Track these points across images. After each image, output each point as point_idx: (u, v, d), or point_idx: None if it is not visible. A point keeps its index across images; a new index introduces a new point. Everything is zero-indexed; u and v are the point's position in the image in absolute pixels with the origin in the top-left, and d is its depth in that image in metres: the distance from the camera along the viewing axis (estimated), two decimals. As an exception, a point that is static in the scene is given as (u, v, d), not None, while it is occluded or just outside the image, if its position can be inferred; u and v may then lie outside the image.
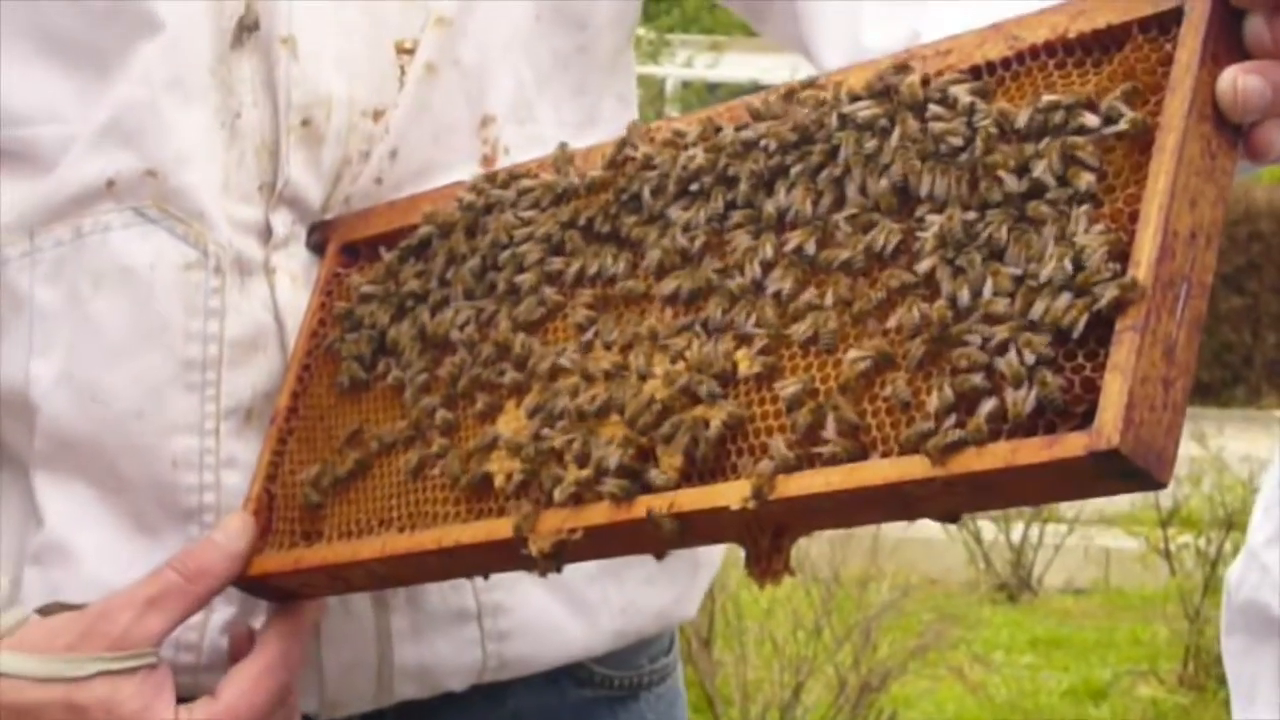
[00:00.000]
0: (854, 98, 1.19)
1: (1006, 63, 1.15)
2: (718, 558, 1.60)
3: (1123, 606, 8.57)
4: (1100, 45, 1.12)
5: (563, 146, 1.35)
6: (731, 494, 1.14)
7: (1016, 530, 8.61)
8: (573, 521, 1.21)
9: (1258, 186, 14.71)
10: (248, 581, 1.36)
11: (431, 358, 1.35)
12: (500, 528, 1.25)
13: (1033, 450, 1.02)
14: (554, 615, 1.45)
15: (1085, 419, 1.01)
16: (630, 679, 1.55)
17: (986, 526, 8.63)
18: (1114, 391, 0.99)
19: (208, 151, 1.37)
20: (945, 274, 1.10)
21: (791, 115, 1.22)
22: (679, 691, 1.62)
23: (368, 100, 1.40)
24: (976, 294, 1.08)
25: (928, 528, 8.82)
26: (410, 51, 1.41)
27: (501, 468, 1.27)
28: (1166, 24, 1.09)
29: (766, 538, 1.15)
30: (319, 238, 1.42)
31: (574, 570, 1.41)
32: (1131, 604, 8.53)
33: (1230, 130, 1.07)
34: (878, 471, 1.08)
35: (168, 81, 1.37)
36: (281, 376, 1.40)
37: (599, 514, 1.20)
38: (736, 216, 1.22)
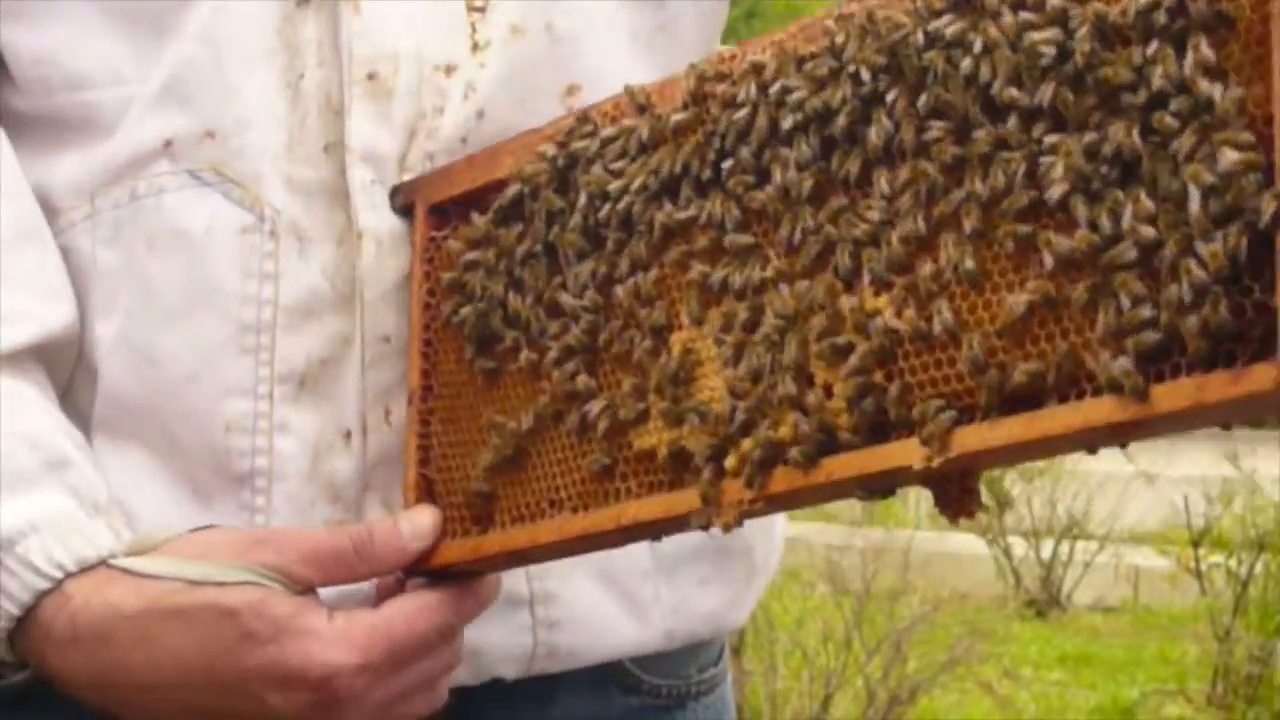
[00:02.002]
0: (935, 13, 1.13)
1: None
2: (773, 564, 1.58)
3: (1152, 625, 8.57)
4: None
5: (630, 88, 1.31)
6: (912, 454, 1.11)
7: (1046, 547, 8.62)
8: (754, 492, 1.19)
9: None
10: (425, 570, 1.35)
11: (560, 324, 1.32)
12: (679, 502, 1.23)
13: (1220, 386, 0.98)
14: (606, 609, 1.44)
15: (1265, 343, 0.97)
16: (678, 688, 1.54)
17: (1017, 542, 8.63)
18: None
19: (270, 113, 1.37)
20: (1079, 201, 1.05)
21: (874, 35, 1.16)
22: (728, 702, 1.60)
23: (438, 55, 1.38)
24: (1117, 221, 1.03)
25: (959, 543, 8.82)
26: (480, 9, 1.39)
27: (663, 439, 1.25)
28: None
29: (954, 484, 1.13)
30: (403, 200, 1.39)
31: (628, 566, 1.41)
32: (1161, 623, 8.52)
33: None
34: (1059, 420, 1.05)
35: (228, 41, 1.36)
36: (340, 343, 1.38)
37: (781, 481, 1.18)
38: (839, 153, 1.18)
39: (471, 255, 1.36)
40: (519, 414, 1.34)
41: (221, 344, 1.37)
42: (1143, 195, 1.02)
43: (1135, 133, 1.03)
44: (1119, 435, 1.04)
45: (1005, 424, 1.07)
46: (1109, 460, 9.17)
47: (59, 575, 1.27)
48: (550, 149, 1.32)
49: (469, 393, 1.38)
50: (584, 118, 1.32)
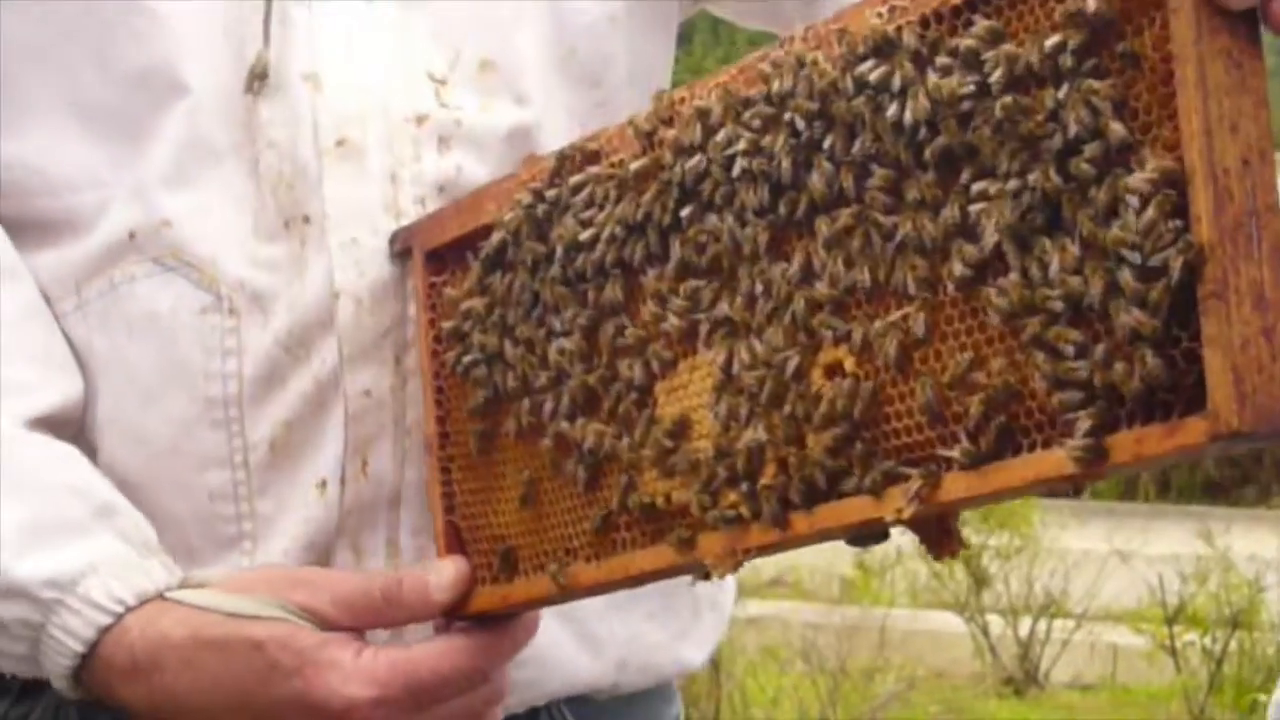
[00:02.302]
0: (860, 57, 1.15)
1: None
2: (726, 604, 1.63)
3: (1128, 703, 8.56)
4: None
5: (586, 137, 1.35)
6: (884, 507, 1.14)
7: (1024, 624, 8.62)
8: (743, 543, 1.22)
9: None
10: (462, 615, 1.40)
11: (550, 376, 1.35)
12: (680, 553, 1.27)
13: (1156, 440, 1.00)
14: (564, 647, 1.49)
15: (1196, 390, 0.98)
16: None
17: (994, 620, 8.63)
18: (1217, 369, 0.96)
19: (228, 200, 1.43)
20: (1011, 249, 1.07)
21: (806, 79, 1.18)
22: None
23: (405, 109, 1.44)
24: (1046, 269, 1.05)
25: (936, 620, 8.82)
26: (442, 82, 1.46)
27: (657, 490, 1.28)
28: None
29: (932, 527, 1.15)
30: (401, 245, 1.43)
31: (585, 606, 1.46)
32: (1137, 700, 8.52)
33: (1247, 23, 0.99)
34: (1014, 474, 1.07)
35: (191, 140, 1.42)
36: (309, 403, 1.43)
37: (758, 536, 1.22)
38: (786, 200, 1.20)
39: (467, 304, 1.41)
40: (527, 466, 1.38)
41: (195, 419, 1.43)
42: (1068, 243, 1.04)
43: (1054, 177, 1.04)
44: (1070, 484, 1.07)
45: (963, 479, 1.10)
46: (1085, 538, 9.20)
47: (120, 610, 1.34)
48: (526, 197, 1.36)
49: (485, 438, 1.42)
50: (561, 160, 1.35)
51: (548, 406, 1.36)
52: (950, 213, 1.10)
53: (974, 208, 1.09)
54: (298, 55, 1.43)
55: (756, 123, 1.21)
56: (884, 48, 1.13)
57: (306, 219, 1.43)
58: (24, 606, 1.34)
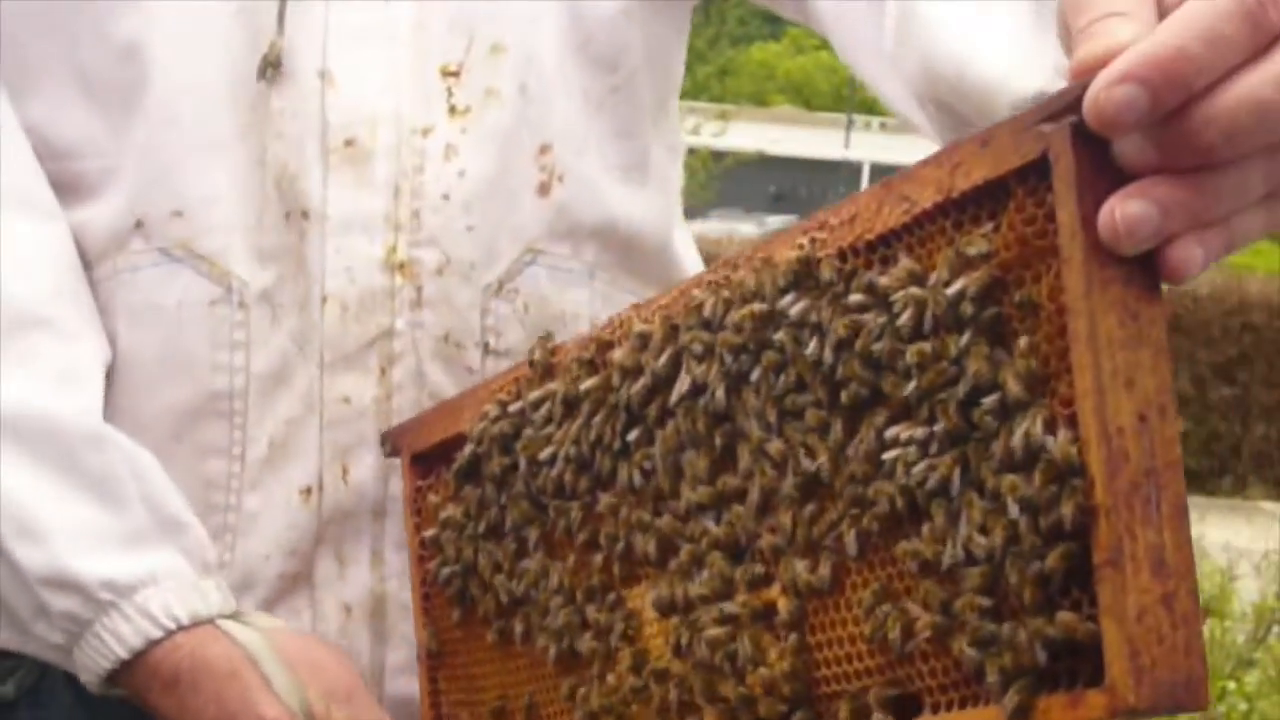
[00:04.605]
0: (781, 290, 1.14)
1: (908, 228, 1.07)
2: None
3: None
4: (989, 199, 1.02)
5: (544, 339, 1.34)
6: None
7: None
8: None
9: (1252, 278, 14.77)
10: None
11: (521, 594, 1.35)
12: None
13: (1060, 710, 0.97)
14: None
15: (1098, 666, 0.95)
16: None
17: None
18: (1113, 642, 0.92)
19: (239, 189, 1.43)
20: (923, 500, 1.04)
21: (734, 320, 1.17)
22: None
23: (415, 119, 1.44)
24: (955, 526, 1.02)
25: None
26: (455, 74, 1.46)
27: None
28: (1042, 171, 0.97)
29: None
30: (391, 447, 1.44)
31: None
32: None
33: (1143, 270, 0.94)
34: None
35: (194, 122, 1.43)
36: (305, 405, 1.44)
37: None
38: (722, 431, 1.19)
39: (445, 513, 1.41)
40: (505, 681, 1.38)
41: (198, 409, 1.44)
42: (975, 499, 1.01)
43: (958, 423, 1.02)
44: None
45: None
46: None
47: (172, 626, 1.36)
48: (493, 409, 1.36)
49: (464, 649, 1.43)
50: (534, 368, 1.34)
51: (518, 630, 1.36)
52: (861, 458, 1.08)
53: (887, 455, 1.06)
54: (312, 50, 1.44)
55: (697, 348, 1.19)
56: (802, 279, 1.12)
57: (305, 214, 1.44)
58: (75, 601, 1.35)
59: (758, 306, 1.14)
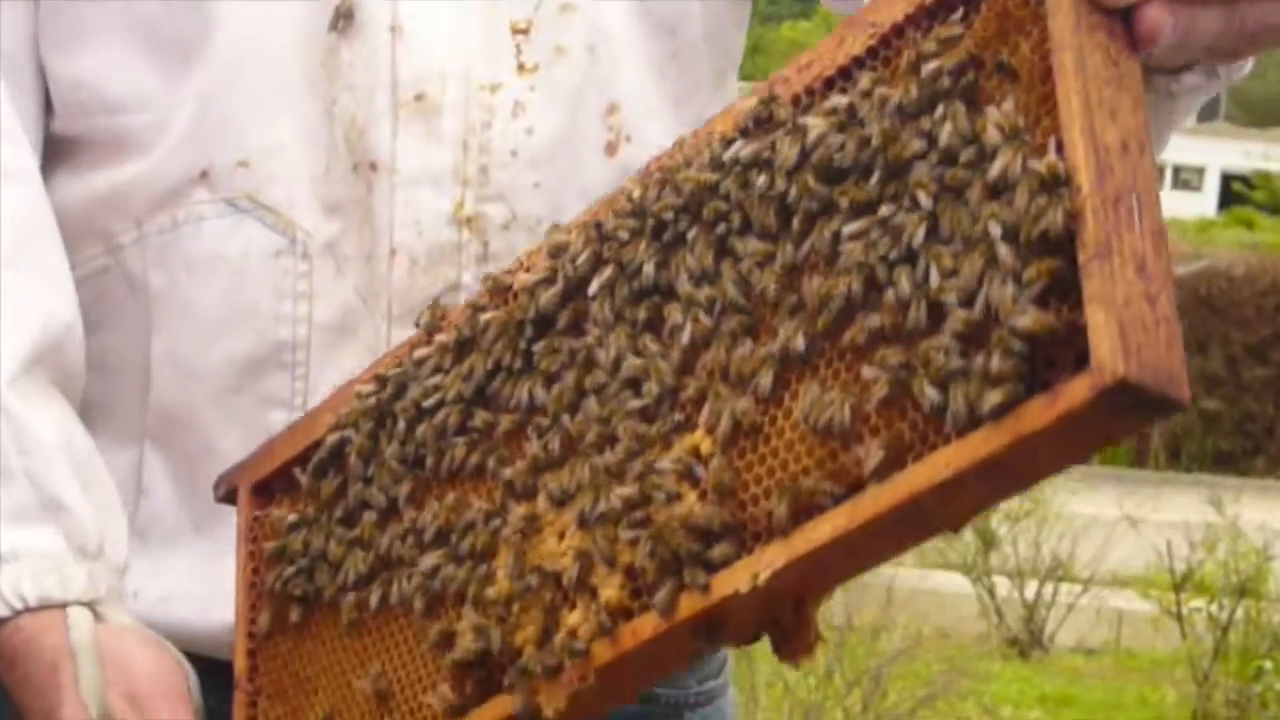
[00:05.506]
0: (727, 142, 1.14)
1: (873, 51, 1.10)
2: None
3: (1133, 668, 8.59)
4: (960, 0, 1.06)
5: (432, 307, 1.34)
6: (738, 578, 1.08)
7: (1030, 587, 8.64)
8: (580, 670, 1.16)
9: (1287, 257, 14.71)
10: None
11: (375, 556, 1.31)
12: (505, 705, 1.21)
13: (1037, 412, 0.94)
14: None
15: (1079, 365, 0.94)
16: (676, 697, 1.58)
17: (1001, 582, 8.66)
18: (1100, 323, 0.92)
19: (306, 140, 1.43)
20: (884, 273, 1.04)
21: (672, 185, 1.18)
22: (727, 716, 1.64)
23: (483, 75, 1.44)
24: (922, 283, 1.02)
25: (942, 581, 8.85)
26: (524, 31, 1.46)
27: (466, 627, 1.23)
28: None
29: (788, 612, 1.10)
30: (225, 488, 1.42)
31: None
32: (1141, 666, 8.54)
33: (1124, 28, 1.01)
34: (880, 498, 1.01)
35: (259, 71, 1.43)
36: (369, 355, 1.43)
37: (603, 651, 1.15)
38: (646, 304, 1.18)
39: (293, 517, 1.38)
40: (353, 667, 1.33)
41: (261, 360, 1.45)
42: (942, 249, 1.01)
43: (932, 188, 1.03)
44: (955, 500, 1.00)
45: (828, 518, 1.04)
46: (1094, 503, 9.20)
47: (19, 606, 1.35)
48: (366, 388, 1.34)
49: (295, 661, 1.38)
50: (403, 355, 1.33)
51: (374, 597, 1.31)
52: (818, 262, 1.08)
53: (845, 245, 1.06)
54: (383, 3, 1.43)
55: (623, 234, 1.19)
56: (755, 126, 1.12)
57: (374, 166, 1.44)
58: None
59: (702, 168, 1.15)
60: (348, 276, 1.44)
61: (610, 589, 1.15)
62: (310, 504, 1.37)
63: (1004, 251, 0.98)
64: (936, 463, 0.99)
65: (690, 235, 1.15)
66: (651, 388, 1.16)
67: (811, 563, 1.05)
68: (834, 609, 6.21)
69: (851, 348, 1.06)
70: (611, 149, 1.48)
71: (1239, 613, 7.42)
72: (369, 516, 1.32)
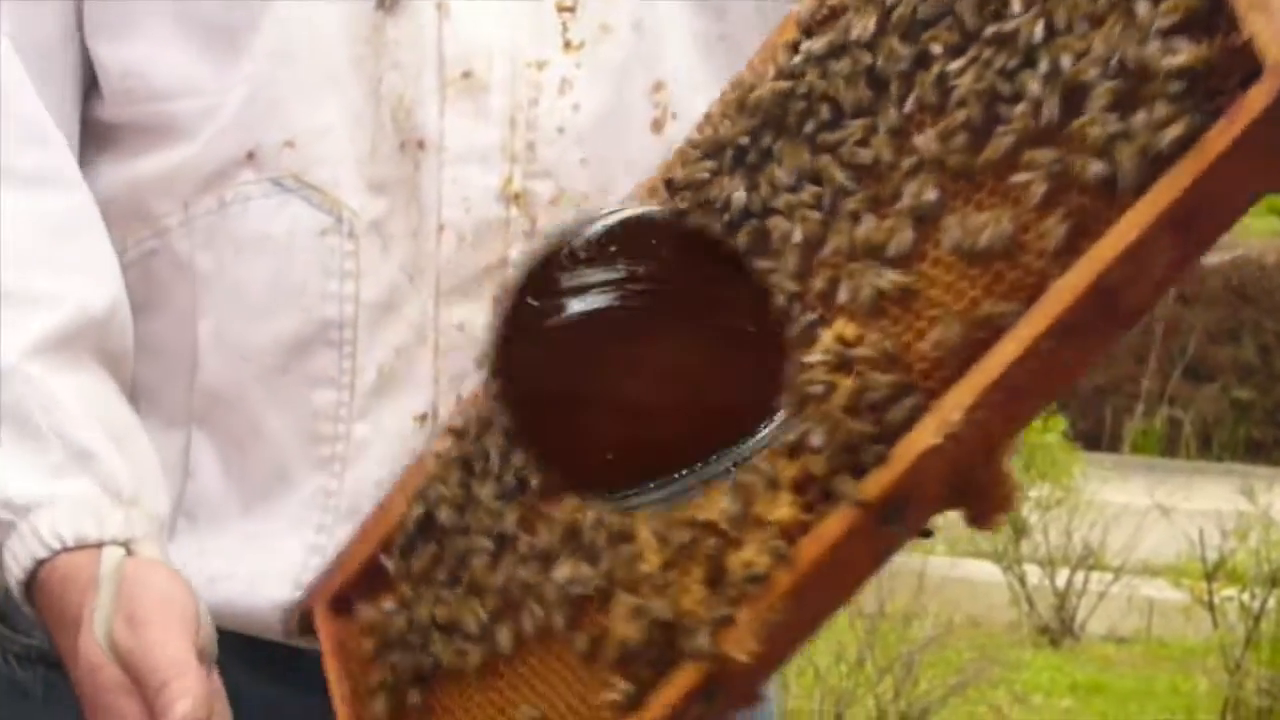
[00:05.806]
0: (794, 46, 1.16)
1: None
2: None
3: (1164, 657, 8.57)
4: None
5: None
6: (925, 434, 1.03)
7: (1061, 576, 8.64)
8: (767, 600, 1.10)
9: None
10: None
11: (495, 596, 1.28)
12: (688, 676, 1.14)
13: (1218, 135, 0.92)
14: None
15: (1245, 86, 0.91)
16: None
17: (1032, 570, 8.66)
18: (1263, 25, 0.90)
19: (352, 120, 1.44)
20: (1006, 87, 1.02)
21: (745, 108, 1.18)
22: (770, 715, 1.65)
23: (529, 53, 1.45)
24: (1051, 75, 1.00)
25: (973, 569, 8.85)
26: (570, 9, 1.47)
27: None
28: None
29: (980, 467, 1.04)
30: (301, 623, 1.39)
31: None
32: (1173, 655, 8.53)
33: None
34: (1063, 291, 0.97)
35: (307, 54, 1.44)
36: (416, 333, 1.44)
37: (784, 577, 1.10)
38: (746, 229, 1.17)
39: (389, 604, 1.36)
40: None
41: (309, 339, 1.46)
42: (1066, 39, 0.99)
43: None
44: (1141, 274, 0.95)
45: (1010, 335, 1.00)
46: (1126, 492, 9.20)
47: (57, 547, 1.36)
48: (445, 443, 1.35)
49: None
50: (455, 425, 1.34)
51: (503, 637, 1.27)
52: (928, 113, 1.06)
53: (954, 83, 1.05)
54: None
55: (703, 175, 1.20)
56: (819, 25, 1.14)
57: (421, 144, 1.45)
58: None
59: (775, 79, 1.16)
60: (394, 254, 1.45)
61: (781, 509, 1.09)
62: (404, 584, 1.35)
63: (1143, 7, 0.96)
64: (1119, 230, 0.95)
65: (776, 148, 1.16)
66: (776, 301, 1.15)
67: (1001, 390, 0.99)
68: (864, 596, 6.23)
69: (989, 172, 1.03)
70: (658, 125, 1.49)
71: (1271, 602, 7.40)
72: (479, 561, 1.30)
